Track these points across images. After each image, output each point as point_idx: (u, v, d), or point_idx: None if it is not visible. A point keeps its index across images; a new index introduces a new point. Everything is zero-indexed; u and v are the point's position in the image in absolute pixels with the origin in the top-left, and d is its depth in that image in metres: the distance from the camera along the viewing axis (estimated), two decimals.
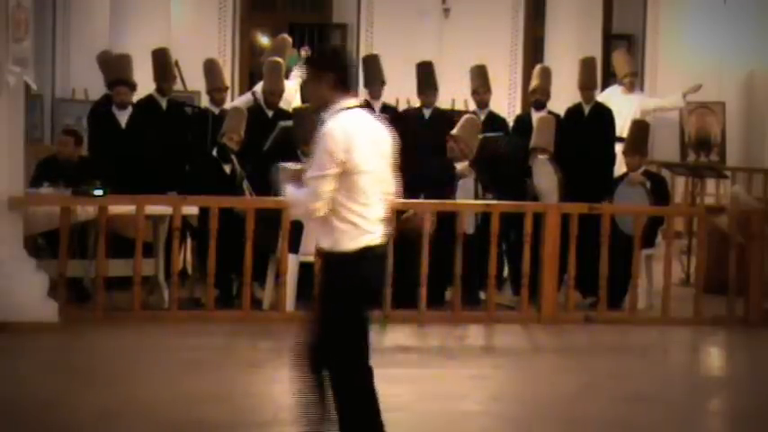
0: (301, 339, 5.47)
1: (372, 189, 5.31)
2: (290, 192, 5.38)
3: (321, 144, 5.20)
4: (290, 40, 12.62)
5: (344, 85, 5.35)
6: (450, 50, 14.89)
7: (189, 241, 10.80)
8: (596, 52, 12.87)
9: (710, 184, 14.44)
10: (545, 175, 10.51)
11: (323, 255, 5.47)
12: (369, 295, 5.48)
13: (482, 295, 10.21)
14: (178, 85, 11.90)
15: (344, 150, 5.17)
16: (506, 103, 15.34)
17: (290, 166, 5.59)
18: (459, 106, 13.56)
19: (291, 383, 5.52)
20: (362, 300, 5.42)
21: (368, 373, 5.42)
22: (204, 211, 9.65)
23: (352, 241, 5.28)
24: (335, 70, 5.33)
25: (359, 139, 5.23)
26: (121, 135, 10.67)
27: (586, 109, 11.47)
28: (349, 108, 5.31)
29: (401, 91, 12.70)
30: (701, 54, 15.58)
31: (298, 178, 5.37)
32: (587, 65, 11.67)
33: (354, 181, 5.22)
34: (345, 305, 5.35)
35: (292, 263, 9.64)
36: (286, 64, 11.85)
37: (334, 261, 5.36)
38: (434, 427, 6.83)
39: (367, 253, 5.32)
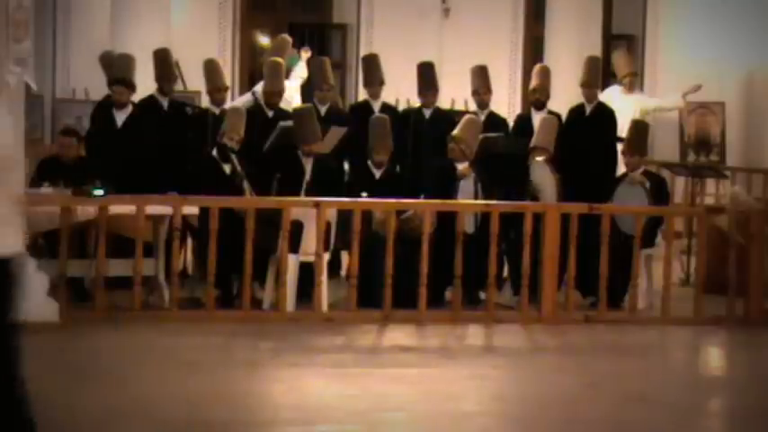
0: None
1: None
2: None
3: None
4: (290, 40, 12.62)
5: None
6: (451, 50, 14.88)
7: (189, 241, 10.80)
8: (596, 52, 12.86)
9: (710, 184, 14.44)
10: (542, 176, 10.51)
11: None
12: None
13: (482, 295, 10.21)
14: (178, 86, 11.88)
15: (6, 146, 4.77)
16: (506, 103, 15.33)
17: None
18: (460, 106, 13.55)
19: None
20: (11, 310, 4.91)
21: None
22: (204, 211, 9.65)
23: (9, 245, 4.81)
24: None
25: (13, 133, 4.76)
26: (116, 134, 10.66)
27: (588, 109, 11.47)
28: None
29: (401, 91, 12.70)
30: (701, 54, 15.57)
31: None
32: (592, 63, 11.65)
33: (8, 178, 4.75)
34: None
35: (292, 263, 9.65)
36: (286, 64, 11.85)
37: None
38: (434, 427, 6.82)
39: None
